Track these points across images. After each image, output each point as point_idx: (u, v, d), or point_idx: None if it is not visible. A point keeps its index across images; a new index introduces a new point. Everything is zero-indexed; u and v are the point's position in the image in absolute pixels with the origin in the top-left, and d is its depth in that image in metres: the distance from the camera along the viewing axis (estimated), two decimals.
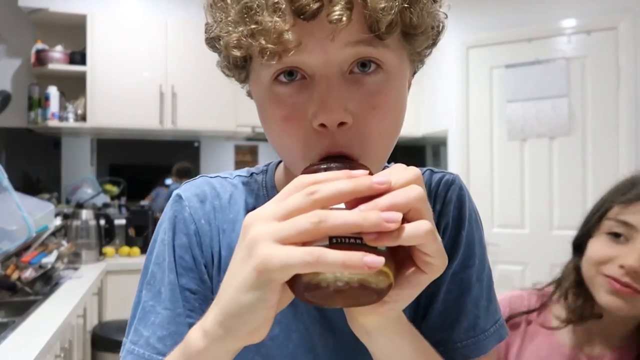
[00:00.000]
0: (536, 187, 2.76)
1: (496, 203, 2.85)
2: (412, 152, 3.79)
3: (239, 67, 0.50)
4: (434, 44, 0.53)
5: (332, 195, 0.35)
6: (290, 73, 0.46)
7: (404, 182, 0.36)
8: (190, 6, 3.21)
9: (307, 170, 0.44)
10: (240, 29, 0.44)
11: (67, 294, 2.05)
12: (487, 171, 2.90)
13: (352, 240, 0.34)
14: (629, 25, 2.51)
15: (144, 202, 3.51)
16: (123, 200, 3.45)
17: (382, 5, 0.42)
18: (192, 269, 0.56)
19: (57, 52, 3.02)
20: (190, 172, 3.70)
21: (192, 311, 0.54)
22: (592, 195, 2.62)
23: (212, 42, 0.50)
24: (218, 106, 3.08)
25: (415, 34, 0.48)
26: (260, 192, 0.61)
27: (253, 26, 0.43)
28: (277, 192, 0.52)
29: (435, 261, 0.37)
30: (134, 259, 2.84)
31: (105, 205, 3.30)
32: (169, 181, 3.74)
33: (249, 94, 0.58)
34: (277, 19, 0.41)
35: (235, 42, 0.44)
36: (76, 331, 2.02)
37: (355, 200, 0.35)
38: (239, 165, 3.89)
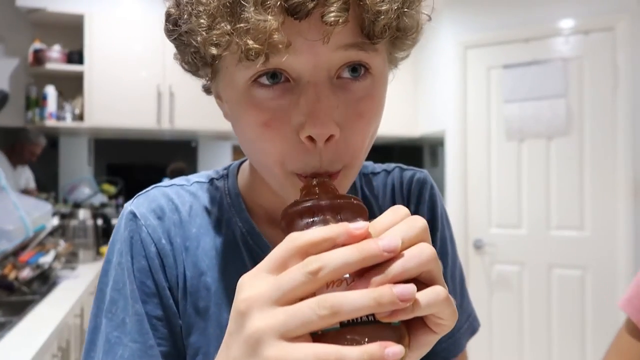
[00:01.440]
0: (534, 187, 2.77)
1: (494, 203, 2.85)
2: (409, 152, 3.79)
3: (207, 64, 0.46)
4: (413, 45, 0.50)
5: (338, 272, 0.30)
6: (273, 75, 0.42)
7: (413, 240, 0.33)
8: None
9: (292, 211, 0.38)
10: (222, 25, 0.39)
11: (65, 293, 2.05)
12: (484, 171, 2.91)
13: (364, 319, 0.31)
14: (627, 25, 2.51)
15: None
16: (120, 200, 3.45)
17: (383, 7, 0.39)
18: (155, 294, 0.51)
19: (55, 51, 3.01)
20: (184, 172, 3.70)
21: (162, 339, 0.51)
22: (589, 195, 2.63)
23: (180, 35, 0.45)
24: (215, 106, 3.06)
25: (403, 37, 0.46)
26: (224, 200, 0.56)
27: (239, 24, 0.38)
28: (243, 199, 0.56)
29: (447, 322, 0.33)
30: None
31: (103, 205, 3.30)
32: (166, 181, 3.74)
33: (208, 91, 0.55)
34: (269, 16, 0.37)
35: (215, 39, 0.39)
36: (73, 331, 2.02)
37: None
38: None
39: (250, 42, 0.38)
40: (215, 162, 3.86)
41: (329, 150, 0.43)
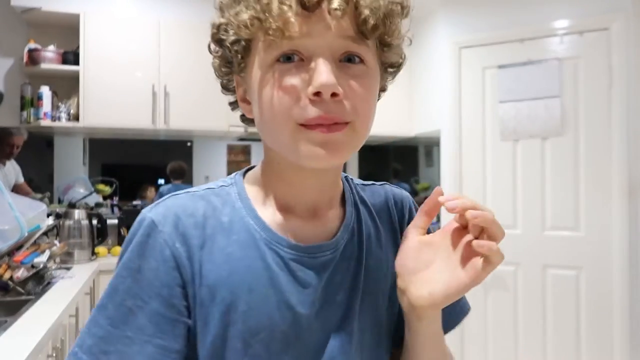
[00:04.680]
0: (528, 187, 2.78)
1: (489, 203, 2.86)
2: (404, 152, 3.79)
3: (239, 54, 0.56)
4: (398, 70, 0.63)
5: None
6: (290, 57, 0.52)
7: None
8: (183, 6, 3.21)
9: None
10: (250, 12, 0.51)
11: (59, 293, 2.04)
12: (479, 171, 2.91)
13: None
14: (621, 26, 2.53)
15: (136, 202, 3.51)
16: (115, 200, 3.44)
17: (374, 4, 0.52)
18: (164, 293, 0.54)
19: (50, 51, 3.00)
20: (184, 172, 3.70)
21: (165, 334, 0.54)
22: (584, 196, 2.64)
23: (218, 31, 0.57)
24: (211, 106, 3.07)
25: (389, 44, 0.57)
26: (236, 204, 0.61)
27: (263, 10, 0.50)
28: (250, 202, 0.61)
29: (496, 257, 0.53)
30: None
31: (98, 205, 3.29)
32: (161, 181, 3.74)
33: (233, 104, 0.66)
34: (284, 6, 0.50)
35: (247, 20, 0.52)
36: (68, 331, 2.01)
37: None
38: (231, 164, 3.89)
39: (272, 22, 0.50)
40: (210, 161, 3.86)
41: (334, 104, 0.52)
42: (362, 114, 0.54)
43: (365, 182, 0.73)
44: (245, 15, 0.52)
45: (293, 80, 0.52)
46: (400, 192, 0.74)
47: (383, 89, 0.64)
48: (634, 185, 2.51)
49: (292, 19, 0.50)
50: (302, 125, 0.52)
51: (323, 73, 0.50)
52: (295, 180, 0.61)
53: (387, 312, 0.66)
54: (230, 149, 3.92)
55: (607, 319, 2.53)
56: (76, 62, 2.97)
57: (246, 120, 0.65)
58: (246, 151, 3.98)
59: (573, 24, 2.67)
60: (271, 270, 0.57)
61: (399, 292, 0.61)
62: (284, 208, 0.62)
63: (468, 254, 0.54)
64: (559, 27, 2.70)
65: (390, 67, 0.62)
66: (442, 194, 0.58)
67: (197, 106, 3.11)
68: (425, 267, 0.58)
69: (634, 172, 2.51)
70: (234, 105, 0.66)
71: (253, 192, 0.63)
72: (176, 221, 0.57)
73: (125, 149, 3.73)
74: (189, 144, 3.82)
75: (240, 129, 3.20)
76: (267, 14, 0.50)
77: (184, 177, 3.69)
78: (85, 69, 2.95)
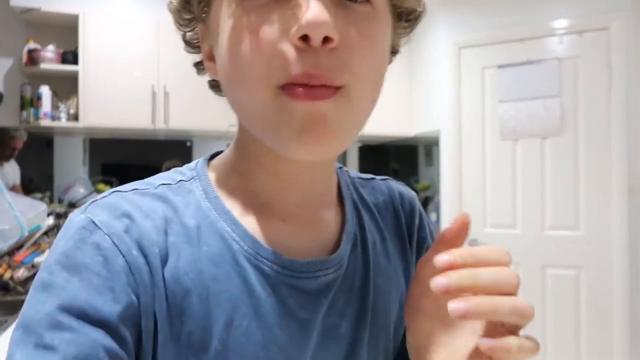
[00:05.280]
0: (528, 187, 2.78)
1: (488, 203, 2.86)
2: (404, 151, 3.79)
3: None
4: (415, 22, 0.46)
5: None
6: None
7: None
8: None
9: None
10: None
11: None
12: (479, 171, 2.91)
13: None
14: (621, 25, 2.53)
15: None
16: None
17: None
18: (111, 319, 0.37)
19: (49, 51, 3.00)
20: None
21: None
22: (583, 195, 2.64)
23: None
24: (210, 106, 3.07)
25: None
26: (202, 203, 0.45)
27: None
28: (222, 201, 0.45)
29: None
30: None
31: None
32: None
33: (215, 88, 0.50)
34: None
35: None
36: None
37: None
38: None
39: None
40: None
41: (325, 55, 0.36)
42: (363, 76, 0.39)
43: (364, 176, 0.59)
44: None
45: (271, 21, 0.37)
46: (407, 190, 0.60)
47: (394, 50, 0.47)
48: (634, 185, 2.51)
49: None
50: (282, 88, 0.37)
51: (313, 7, 0.35)
52: (281, 168, 0.46)
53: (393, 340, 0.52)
54: None
55: (607, 319, 2.53)
56: (75, 62, 2.97)
57: (216, 86, 0.50)
58: None
59: (572, 24, 2.67)
60: (255, 296, 0.42)
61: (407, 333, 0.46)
62: (266, 207, 0.46)
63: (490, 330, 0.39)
64: (558, 27, 2.70)
65: (405, 15, 0.45)
66: (468, 223, 0.43)
67: (197, 106, 3.11)
68: (443, 326, 0.42)
69: (633, 172, 2.51)
70: (199, 66, 0.51)
71: (223, 186, 0.47)
72: (128, 224, 0.41)
73: (125, 149, 3.73)
74: (188, 143, 3.82)
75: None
76: None
77: None
78: (85, 69, 2.95)
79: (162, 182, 0.47)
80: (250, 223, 0.45)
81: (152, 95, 3.06)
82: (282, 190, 0.47)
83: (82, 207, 0.43)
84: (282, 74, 0.37)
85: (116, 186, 0.46)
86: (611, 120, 2.57)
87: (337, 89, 0.37)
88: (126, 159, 3.78)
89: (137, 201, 0.43)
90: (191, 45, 0.49)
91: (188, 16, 0.46)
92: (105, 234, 0.39)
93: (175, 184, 0.47)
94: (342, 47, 0.37)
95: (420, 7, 0.45)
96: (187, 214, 0.44)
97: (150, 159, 3.78)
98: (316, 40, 0.35)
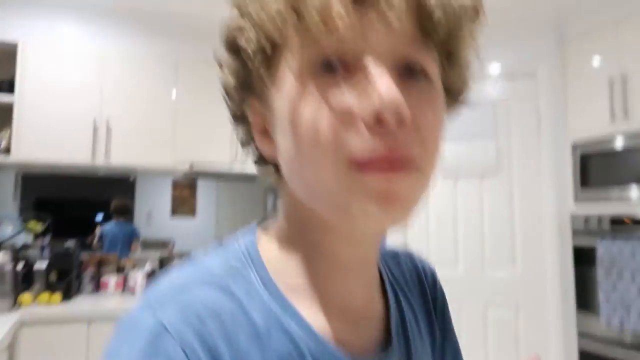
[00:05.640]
0: (469, 226, 2.86)
1: (432, 242, 2.92)
2: None
3: (261, 66, 0.41)
4: (458, 101, 0.48)
5: None
6: (331, 67, 0.37)
7: None
8: (127, 36, 3.13)
9: None
10: (280, 2, 0.37)
11: None
12: (423, 209, 2.97)
13: None
14: (546, 71, 2.71)
15: (69, 244, 3.28)
16: (47, 239, 3.24)
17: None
18: None
19: None
20: (129, 209, 3.55)
21: None
22: (520, 235, 2.74)
23: (235, 35, 0.41)
24: (155, 142, 3.00)
25: (456, 55, 0.43)
26: (264, 296, 0.42)
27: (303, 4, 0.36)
28: (282, 293, 0.42)
29: None
30: (55, 307, 2.51)
31: (25, 247, 3.08)
32: (99, 217, 3.57)
33: (241, 118, 0.47)
34: None
35: (273, 13, 0.37)
36: None
37: None
38: (176, 201, 3.78)
39: (319, 16, 0.36)
40: (154, 198, 3.74)
41: (400, 134, 0.37)
42: (432, 147, 0.39)
43: (390, 251, 0.58)
44: (275, 6, 0.38)
45: (344, 96, 0.37)
46: (428, 263, 0.61)
47: None
48: (563, 224, 2.64)
49: (341, 9, 0.36)
50: (355, 165, 0.37)
51: (385, 86, 0.35)
52: (339, 251, 0.44)
53: None
54: (175, 185, 3.82)
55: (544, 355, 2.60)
56: (11, 91, 2.84)
57: (263, 162, 0.47)
58: (192, 186, 3.89)
59: (505, 69, 2.83)
60: None
61: None
62: (323, 297, 0.44)
63: None
64: (492, 71, 2.85)
65: (453, 93, 0.46)
66: None
67: (141, 142, 3.02)
68: None
69: (562, 210, 2.64)
70: (247, 141, 0.48)
71: (280, 274, 0.44)
72: (200, 328, 0.37)
73: (62, 183, 3.55)
74: (131, 179, 3.70)
75: (185, 165, 3.12)
76: (305, 3, 0.36)
77: (128, 214, 3.54)
78: (21, 98, 2.82)
79: (221, 264, 0.43)
80: (312, 318, 0.43)
81: (94, 129, 2.95)
82: (342, 279, 0.45)
83: (147, 301, 0.39)
84: (358, 148, 0.36)
85: (49, 223, 0.43)
86: (541, 162, 2.72)
87: (413, 162, 0.38)
88: (62, 193, 3.59)
89: (207, 295, 0.40)
90: (239, 119, 0.47)
91: (243, 91, 0.44)
92: (179, 346, 0.36)
93: (230, 268, 0.43)
94: (414, 126, 0.38)
95: (465, 85, 0.47)
96: (252, 307, 0.41)
97: (89, 194, 3.61)
98: (391, 120, 0.35)
